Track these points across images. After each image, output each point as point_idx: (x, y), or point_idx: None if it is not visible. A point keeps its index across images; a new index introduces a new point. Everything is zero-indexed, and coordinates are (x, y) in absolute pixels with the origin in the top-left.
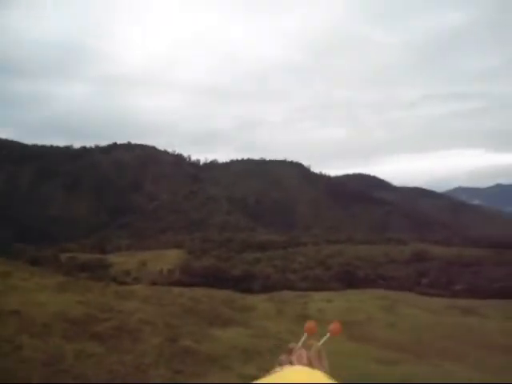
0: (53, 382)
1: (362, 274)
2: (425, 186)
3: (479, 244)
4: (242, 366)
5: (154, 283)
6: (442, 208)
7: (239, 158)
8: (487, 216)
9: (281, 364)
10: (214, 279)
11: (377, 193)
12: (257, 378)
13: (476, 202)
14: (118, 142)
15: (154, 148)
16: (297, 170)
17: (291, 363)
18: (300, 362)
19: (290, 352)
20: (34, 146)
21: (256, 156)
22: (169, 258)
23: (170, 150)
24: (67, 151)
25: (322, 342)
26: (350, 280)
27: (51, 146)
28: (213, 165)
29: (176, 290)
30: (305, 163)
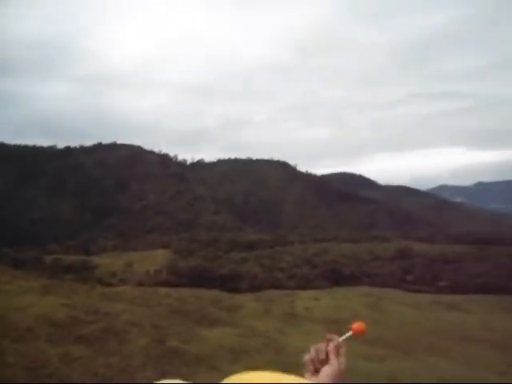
0: None
1: (348, 272)
2: (409, 185)
3: (462, 241)
4: (229, 366)
5: (140, 284)
6: (426, 206)
7: (226, 158)
8: (469, 213)
9: (318, 353)
10: (201, 279)
11: (362, 191)
12: None
13: (458, 199)
14: (103, 142)
15: (139, 148)
16: (283, 170)
17: (327, 353)
18: (333, 354)
19: (328, 341)
20: (17, 146)
21: (243, 155)
22: (155, 259)
23: (156, 149)
24: (51, 151)
25: (342, 338)
26: (336, 278)
27: (34, 146)
28: (199, 164)
29: (163, 290)
30: (291, 162)
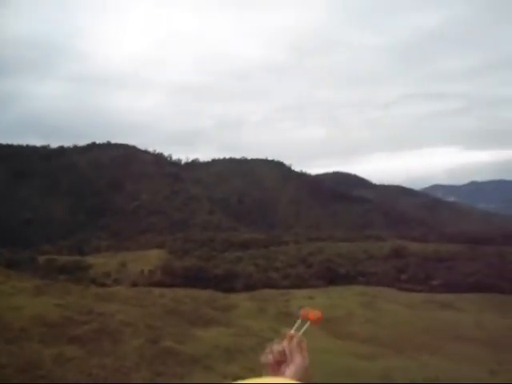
0: None
1: (343, 271)
2: (403, 184)
3: (455, 240)
4: (224, 366)
5: (134, 284)
6: (420, 205)
7: (221, 158)
8: (462, 213)
9: (274, 354)
10: (196, 279)
11: (356, 191)
12: (240, 377)
13: (452, 199)
14: (97, 142)
15: (134, 147)
16: (278, 169)
17: (290, 350)
18: (297, 351)
19: (290, 339)
20: (10, 146)
21: (238, 155)
22: (150, 259)
23: (150, 149)
24: (44, 151)
25: (302, 330)
26: (330, 277)
27: (27, 146)
28: (194, 164)
29: (157, 290)
30: (286, 162)
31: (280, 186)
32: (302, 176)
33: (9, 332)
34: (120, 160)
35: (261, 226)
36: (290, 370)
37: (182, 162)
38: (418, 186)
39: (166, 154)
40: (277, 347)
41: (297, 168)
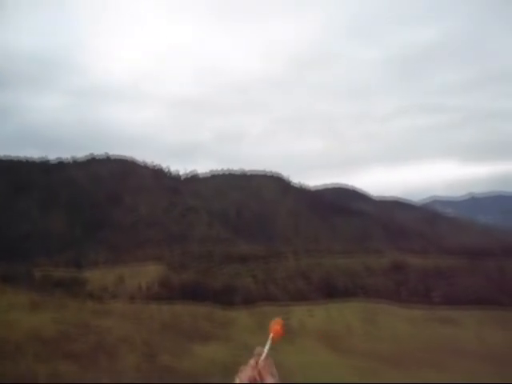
0: None
1: (342, 285)
2: (401, 197)
3: (454, 253)
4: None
5: (132, 298)
6: (418, 218)
7: (219, 170)
8: (461, 226)
9: (248, 374)
10: (194, 293)
11: (355, 204)
12: None
13: (450, 211)
14: (96, 155)
15: (132, 160)
16: (276, 182)
17: (259, 373)
18: (268, 371)
19: (257, 359)
20: (8, 159)
21: (236, 168)
22: (147, 273)
23: (149, 162)
24: (42, 164)
25: (267, 347)
26: (329, 291)
27: (25, 159)
28: (193, 177)
29: (155, 305)
30: (285, 175)
31: (279, 198)
32: (301, 189)
33: (3, 347)
34: (118, 173)
35: (259, 239)
36: None
37: (181, 175)
38: (415, 198)
39: (164, 166)
40: (245, 370)
41: (295, 181)
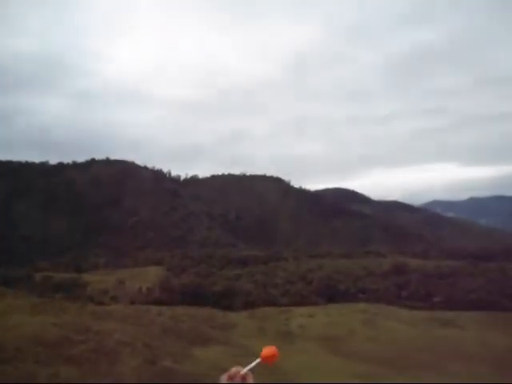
0: None
1: (343, 288)
2: (402, 200)
3: (455, 256)
4: None
5: (132, 302)
6: (419, 221)
7: (219, 174)
8: (461, 228)
9: None
10: (194, 296)
11: (355, 207)
12: None
13: (451, 214)
14: (96, 158)
15: (133, 163)
16: (277, 185)
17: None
18: None
19: (232, 376)
20: (9, 162)
21: (237, 171)
22: (148, 276)
23: (149, 165)
24: (43, 167)
25: (248, 367)
26: (330, 294)
27: (26, 163)
28: (193, 180)
29: (155, 308)
30: (285, 178)
31: (279, 201)
32: (301, 192)
33: (4, 352)
34: (119, 176)
35: (260, 242)
36: None
37: (181, 178)
38: (416, 201)
39: (165, 169)
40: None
41: (296, 184)
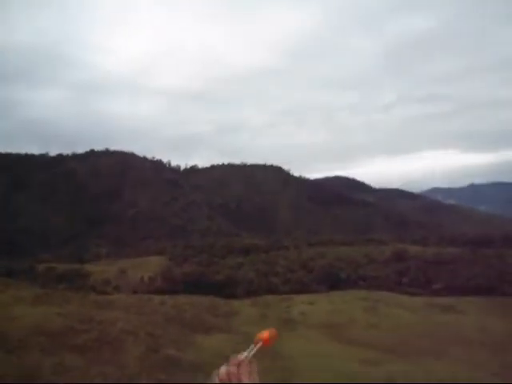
0: None
1: (344, 276)
2: (402, 187)
3: (455, 243)
4: None
5: (134, 291)
6: (419, 208)
7: (220, 163)
8: (462, 215)
9: (223, 376)
10: (197, 285)
11: (356, 195)
12: None
13: (451, 201)
14: (96, 149)
15: (132, 154)
16: (277, 174)
17: (239, 376)
18: (246, 377)
19: (238, 363)
20: (8, 155)
21: (237, 160)
22: (150, 266)
23: (149, 155)
24: (43, 159)
25: (252, 352)
26: (332, 282)
27: (26, 154)
28: (193, 170)
29: (158, 298)
30: (284, 167)
31: (279, 190)
32: (302, 180)
33: (8, 342)
34: (119, 167)
35: (261, 231)
36: None
37: (181, 168)
38: (416, 189)
39: (164, 160)
40: (225, 371)
41: (296, 173)
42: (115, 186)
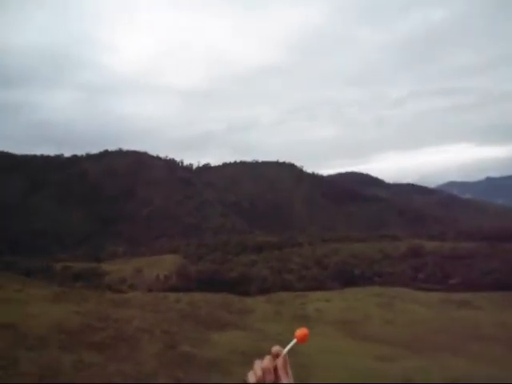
0: None
1: (359, 272)
2: (417, 182)
3: (472, 237)
4: (242, 370)
5: (150, 290)
6: (435, 203)
7: (232, 161)
8: (478, 209)
9: (263, 368)
10: (211, 283)
11: (370, 190)
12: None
13: (467, 195)
14: (110, 149)
15: (145, 154)
16: (290, 171)
17: (275, 369)
18: (282, 370)
19: (275, 356)
20: (24, 156)
21: (249, 158)
22: (164, 264)
23: (162, 155)
24: (58, 160)
25: (287, 348)
26: (346, 278)
27: (41, 156)
28: (206, 169)
29: (173, 295)
30: (297, 164)
31: (292, 187)
32: (315, 177)
33: (28, 339)
34: (132, 166)
35: (274, 229)
36: None
37: (194, 167)
38: (432, 183)
39: (177, 159)
40: (260, 367)
41: (309, 169)
42: (129, 186)
